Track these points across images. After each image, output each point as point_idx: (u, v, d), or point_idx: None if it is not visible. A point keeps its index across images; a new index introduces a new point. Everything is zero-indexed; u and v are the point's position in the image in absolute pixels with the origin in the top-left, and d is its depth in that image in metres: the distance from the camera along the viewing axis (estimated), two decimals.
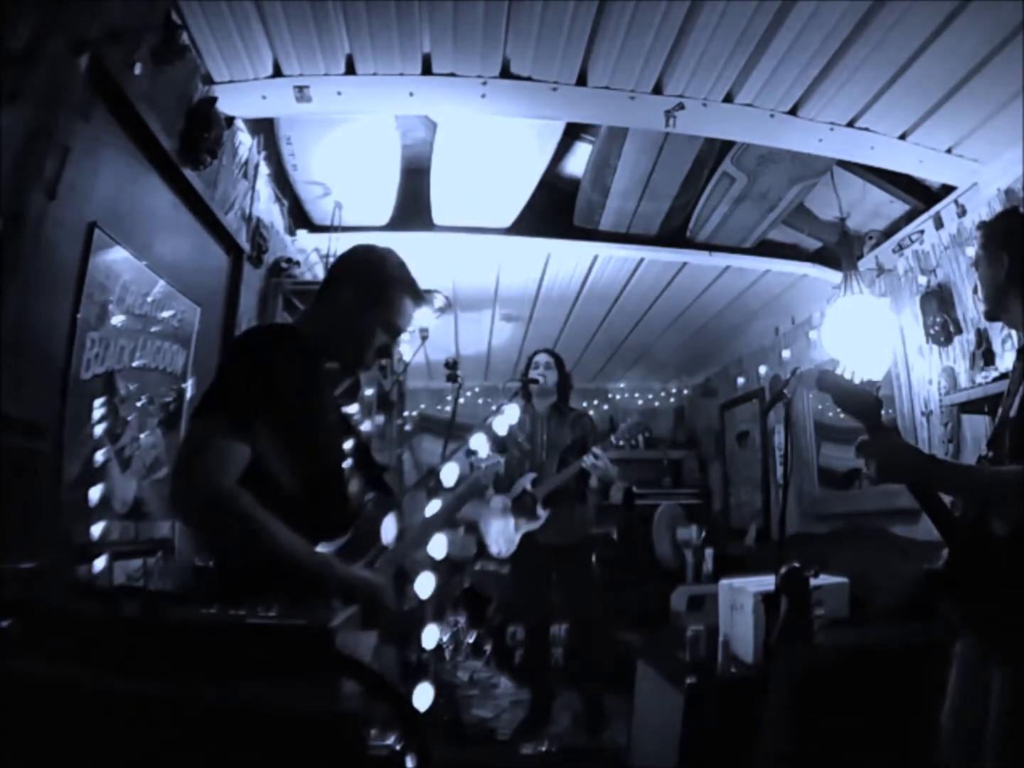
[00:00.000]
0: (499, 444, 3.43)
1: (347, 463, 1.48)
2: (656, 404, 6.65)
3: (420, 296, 1.56)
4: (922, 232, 3.10)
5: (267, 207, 3.00)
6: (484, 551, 4.72)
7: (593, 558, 3.52)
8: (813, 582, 2.16)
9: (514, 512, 3.28)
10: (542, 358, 3.47)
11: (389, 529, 1.66)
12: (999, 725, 1.32)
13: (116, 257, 1.79)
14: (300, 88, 2.32)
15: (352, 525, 1.40)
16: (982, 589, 1.35)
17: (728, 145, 2.83)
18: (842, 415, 3.88)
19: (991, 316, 1.61)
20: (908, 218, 3.20)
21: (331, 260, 3.27)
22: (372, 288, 1.47)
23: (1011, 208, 2.15)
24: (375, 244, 1.57)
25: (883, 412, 1.41)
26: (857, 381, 1.50)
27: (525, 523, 3.23)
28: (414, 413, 6.10)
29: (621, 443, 3.29)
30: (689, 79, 2.29)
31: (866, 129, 2.49)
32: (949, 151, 2.59)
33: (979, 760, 1.38)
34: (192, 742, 0.86)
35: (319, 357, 1.44)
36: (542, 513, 3.20)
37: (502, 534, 3.29)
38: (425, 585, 1.71)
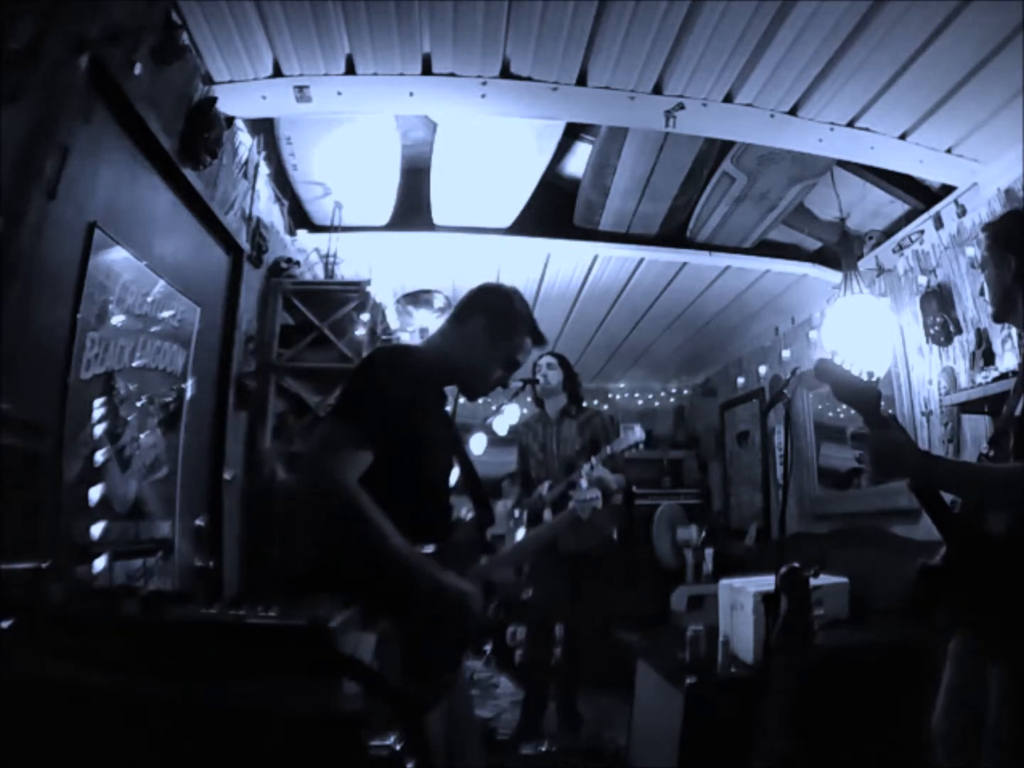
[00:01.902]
0: (521, 452, 3.46)
1: (453, 478, 1.63)
2: (656, 404, 6.64)
3: (540, 336, 1.69)
4: (922, 232, 3.10)
5: (267, 207, 3.00)
6: None
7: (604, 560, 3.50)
8: (813, 582, 2.17)
9: (526, 516, 3.31)
10: (544, 360, 3.47)
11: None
12: (997, 725, 1.32)
13: (116, 257, 1.78)
14: (300, 88, 2.32)
15: (449, 535, 1.52)
16: (979, 587, 1.34)
17: (728, 145, 2.82)
18: (842, 414, 3.90)
19: (998, 318, 1.59)
20: (908, 218, 3.20)
21: (331, 260, 3.28)
22: (500, 326, 1.60)
23: (1016, 209, 2.13)
24: (503, 284, 1.73)
25: (883, 407, 1.40)
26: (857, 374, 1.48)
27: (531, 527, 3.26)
28: None
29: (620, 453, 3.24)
30: (689, 79, 2.29)
31: (866, 129, 2.49)
32: (949, 151, 2.59)
33: (972, 759, 1.37)
34: (192, 742, 0.86)
35: (440, 380, 1.61)
36: (547, 518, 3.21)
37: (512, 537, 3.32)
38: None
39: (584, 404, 3.57)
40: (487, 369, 1.61)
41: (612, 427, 3.51)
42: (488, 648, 4.10)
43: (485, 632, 1.56)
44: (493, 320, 1.59)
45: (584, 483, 3.04)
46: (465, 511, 1.63)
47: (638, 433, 3.16)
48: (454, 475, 1.67)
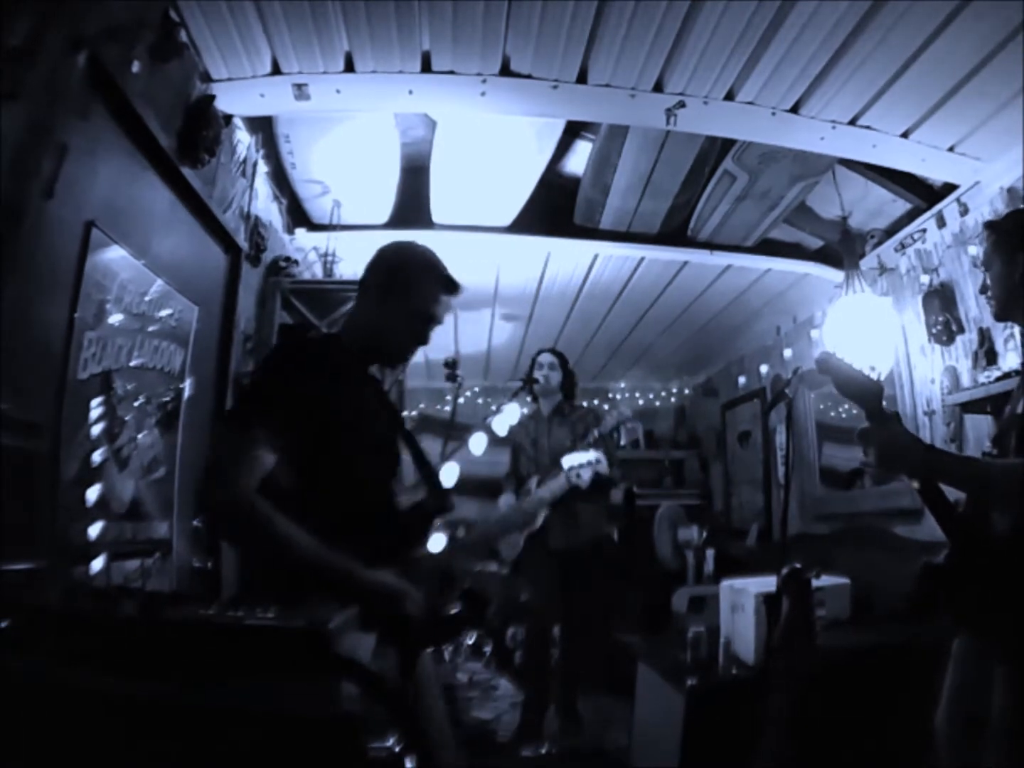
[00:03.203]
0: (513, 451, 3.44)
1: (396, 464, 1.52)
2: (657, 404, 6.63)
3: (452, 283, 1.58)
4: (924, 231, 3.09)
5: (265, 205, 2.99)
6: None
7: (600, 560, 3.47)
8: (815, 583, 2.16)
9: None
10: (545, 358, 3.45)
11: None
12: (1000, 726, 1.31)
13: (114, 256, 1.77)
14: (299, 86, 2.31)
15: (398, 526, 1.42)
16: (983, 586, 1.33)
17: (729, 143, 2.81)
18: (844, 414, 3.89)
19: (1002, 316, 1.56)
20: (910, 217, 3.19)
21: (330, 259, 3.27)
22: (399, 281, 1.50)
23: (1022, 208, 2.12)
24: (400, 240, 1.61)
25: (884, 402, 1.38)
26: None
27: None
28: (413, 413, 6.09)
29: (608, 435, 3.19)
30: (690, 77, 2.28)
31: (868, 127, 2.48)
32: (951, 149, 2.58)
33: (975, 760, 1.36)
34: (190, 744, 0.85)
35: (362, 361, 1.51)
36: (540, 515, 3.18)
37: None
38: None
39: (584, 404, 3.56)
40: (397, 329, 1.50)
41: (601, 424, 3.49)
42: (488, 650, 4.09)
43: (441, 632, 1.38)
44: (390, 277, 1.51)
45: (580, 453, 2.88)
46: (416, 498, 1.52)
47: (623, 412, 3.13)
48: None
